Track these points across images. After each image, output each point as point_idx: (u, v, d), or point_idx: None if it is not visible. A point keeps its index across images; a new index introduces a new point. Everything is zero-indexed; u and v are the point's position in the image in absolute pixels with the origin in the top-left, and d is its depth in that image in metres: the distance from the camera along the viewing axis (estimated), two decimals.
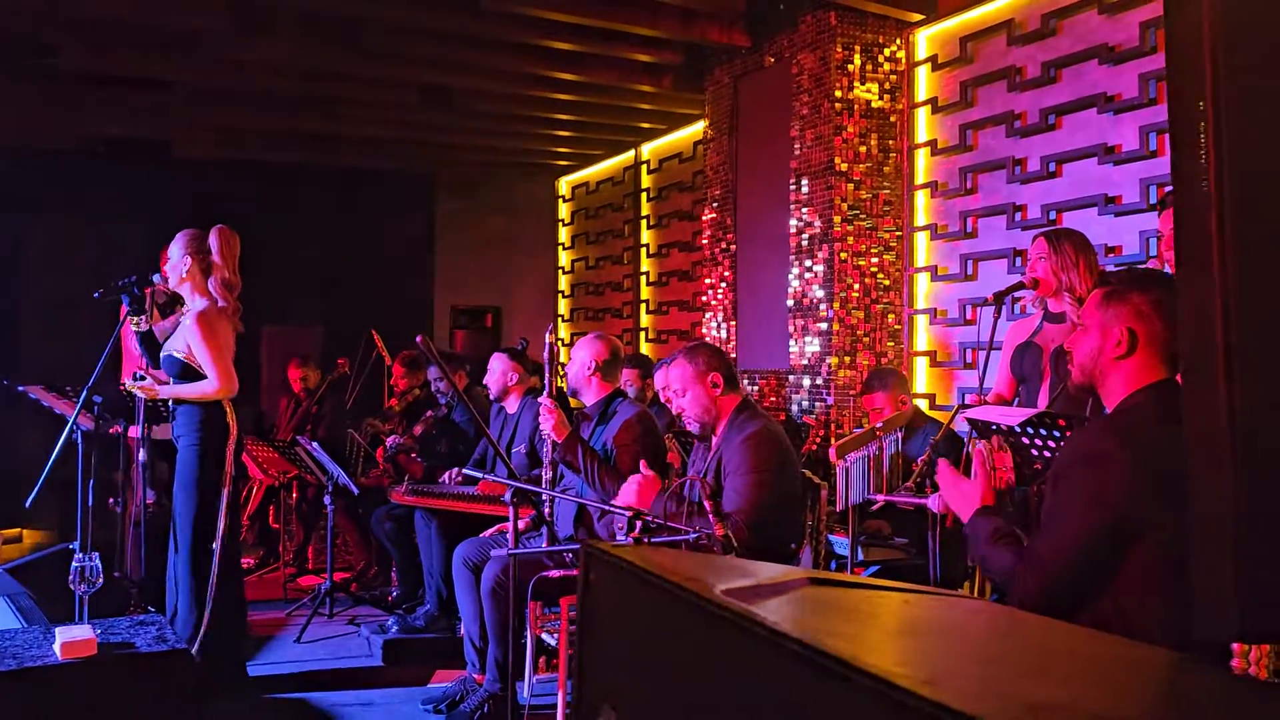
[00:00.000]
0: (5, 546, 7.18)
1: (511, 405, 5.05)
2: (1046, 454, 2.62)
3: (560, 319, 9.85)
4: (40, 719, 2.71)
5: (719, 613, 0.82)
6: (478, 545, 4.15)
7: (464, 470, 3.74)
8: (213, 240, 4.03)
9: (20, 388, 4.18)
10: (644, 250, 8.37)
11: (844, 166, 5.45)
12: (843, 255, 5.44)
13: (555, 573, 3.33)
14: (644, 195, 8.42)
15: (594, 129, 8.09)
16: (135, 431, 4.48)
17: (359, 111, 7.58)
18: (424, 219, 10.26)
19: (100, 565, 3.06)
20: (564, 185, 9.96)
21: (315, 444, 5.18)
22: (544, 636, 4.24)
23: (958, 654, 0.91)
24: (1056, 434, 2.61)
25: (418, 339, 3.41)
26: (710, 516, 2.44)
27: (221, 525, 3.98)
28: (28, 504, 3.82)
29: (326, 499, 5.38)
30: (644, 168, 8.43)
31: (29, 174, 9.48)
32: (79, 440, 4.35)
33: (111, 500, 5.00)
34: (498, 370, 5.06)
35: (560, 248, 10.00)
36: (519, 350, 5.15)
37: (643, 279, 8.36)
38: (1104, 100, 4.53)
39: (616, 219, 8.86)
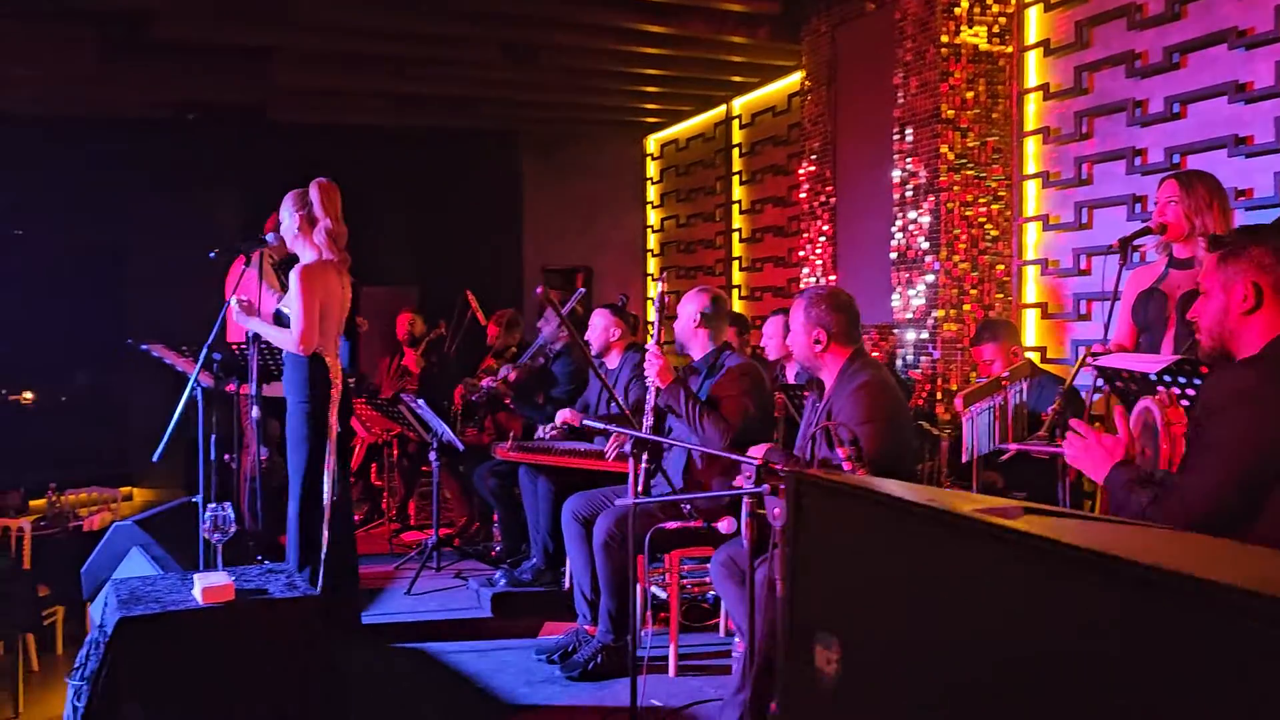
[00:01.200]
0: (120, 504, 7.50)
1: (612, 360, 5.04)
2: (1185, 402, 2.52)
3: (650, 278, 9.82)
4: (184, 659, 2.81)
5: (989, 531, 0.80)
6: (587, 499, 4.17)
7: (585, 420, 3.75)
8: (313, 193, 4.07)
9: (144, 346, 4.31)
10: (736, 207, 8.27)
11: (950, 114, 5.28)
12: (949, 205, 5.29)
13: (672, 524, 3.33)
14: (736, 151, 8.31)
15: (684, 84, 7.98)
16: (248, 389, 4.59)
17: (446, 71, 7.59)
18: (511, 180, 10.30)
19: (233, 515, 3.16)
20: (652, 143, 9.88)
21: (420, 401, 5.26)
22: (654, 590, 4.26)
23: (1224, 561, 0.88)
24: (1197, 381, 2.50)
25: (538, 290, 3.42)
26: (848, 464, 2.39)
27: (329, 480, 4.05)
28: (156, 458, 3.95)
29: (432, 455, 5.47)
30: (736, 123, 8.31)
31: (129, 144, 9.78)
32: (199, 397, 4.49)
33: (227, 456, 5.15)
34: (599, 326, 5.05)
35: (649, 206, 9.95)
36: (620, 306, 5.14)
37: (735, 235, 8.27)
38: (1235, 35, 4.28)
39: (708, 175, 8.77)
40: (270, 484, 5.11)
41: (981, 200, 5.34)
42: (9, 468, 7.36)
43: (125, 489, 7.96)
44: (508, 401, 5.67)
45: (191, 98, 8.47)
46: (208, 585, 2.89)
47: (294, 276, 3.96)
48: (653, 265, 9.84)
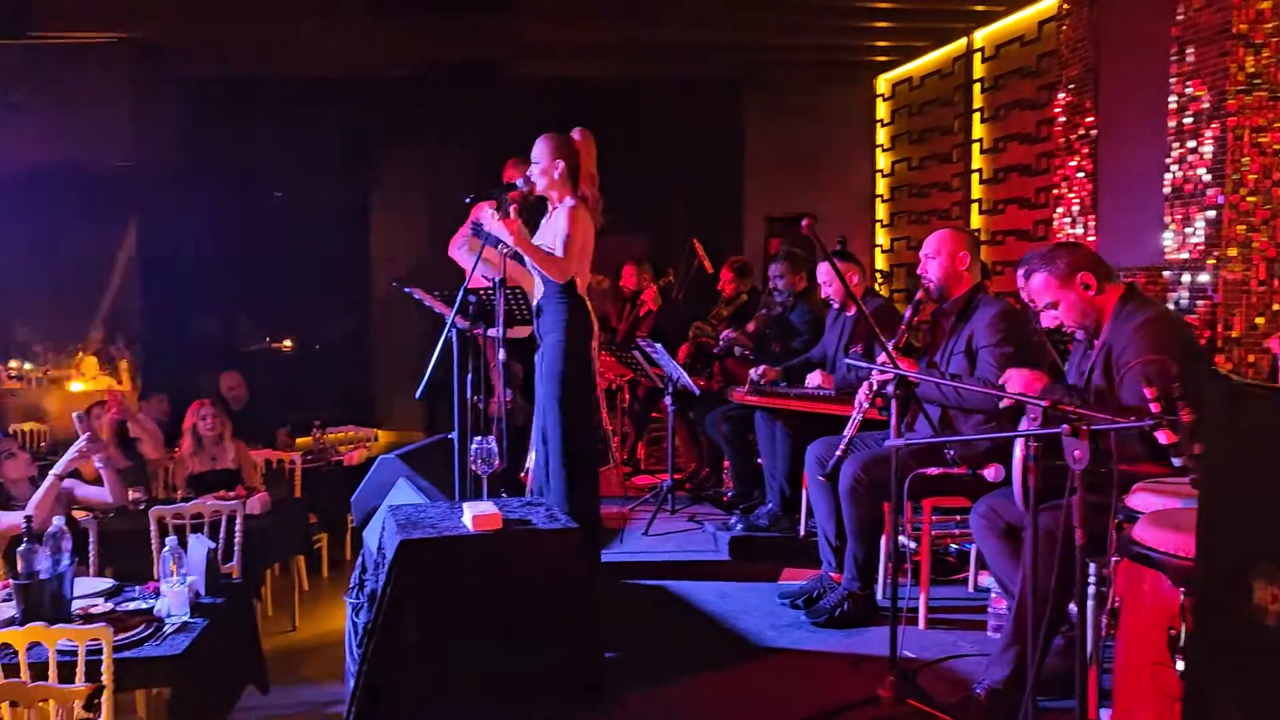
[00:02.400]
0: (374, 442, 8.01)
1: (851, 307, 4.88)
2: None
3: (879, 224, 9.48)
4: (457, 581, 2.94)
5: None
6: (830, 445, 4.06)
7: (848, 359, 3.64)
8: (578, 141, 4.13)
9: (406, 289, 4.53)
10: (976, 146, 7.81)
11: (1243, 28, 4.72)
12: (1237, 132, 4.75)
13: (933, 470, 3.18)
14: (977, 86, 7.83)
15: (919, 17, 7.58)
16: (494, 332, 4.74)
17: (672, 16, 7.52)
18: (734, 127, 10.18)
19: (497, 449, 3.27)
20: (883, 83, 9.48)
21: (658, 345, 5.29)
22: (900, 539, 4.11)
23: None
24: None
25: (802, 224, 3.32)
26: (1155, 404, 2.17)
27: (589, 417, 4.13)
28: (418, 395, 4.13)
29: (666, 400, 5.51)
30: (977, 56, 7.82)
31: (375, 102, 10.33)
32: (454, 339, 4.68)
33: (475, 397, 5.37)
34: (826, 271, 4.88)
35: (878, 149, 9.58)
36: (843, 250, 4.94)
37: (974, 177, 7.83)
38: None
39: (945, 114, 8.32)
40: (513, 424, 5.31)
41: (1277, 125, 4.77)
42: (275, 407, 7.99)
43: (370, 430, 8.48)
44: (747, 353, 5.62)
45: (436, 58, 8.81)
46: (477, 514, 3.00)
47: (564, 213, 4.02)
48: (882, 211, 9.49)
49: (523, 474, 4.86)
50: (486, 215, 4.19)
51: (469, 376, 4.58)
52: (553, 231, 4.14)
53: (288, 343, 13.40)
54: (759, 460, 5.27)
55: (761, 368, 4.93)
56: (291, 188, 12.24)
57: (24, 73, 8.36)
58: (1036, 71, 6.98)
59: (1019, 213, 7.27)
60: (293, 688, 4.83)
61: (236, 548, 4.94)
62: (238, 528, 4.96)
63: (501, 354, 4.71)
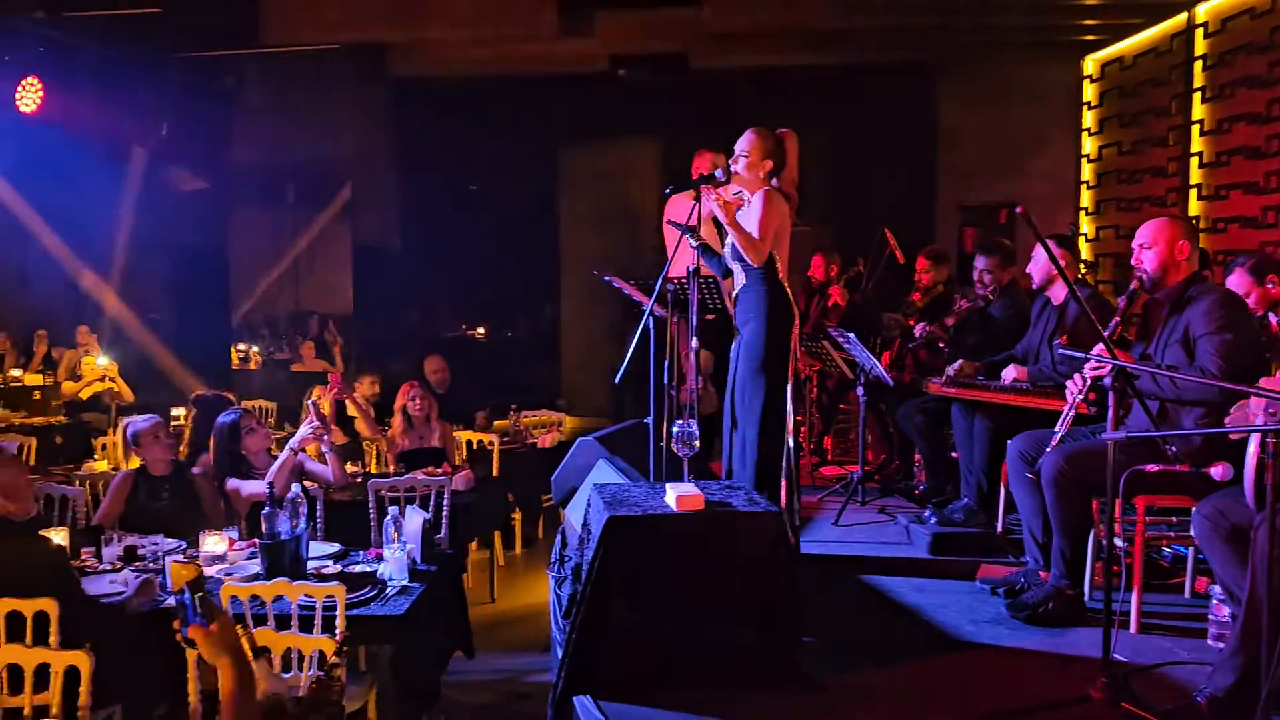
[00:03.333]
0: (565, 425, 8.29)
1: (1057, 294, 4.69)
2: None
3: (1083, 211, 9.03)
4: (662, 557, 3.04)
5: None
6: (1034, 439, 3.94)
7: (1061, 350, 3.53)
8: (785, 142, 4.19)
9: (606, 277, 4.68)
10: (1196, 128, 7.32)
11: None
12: None
13: (1153, 466, 3.04)
14: (1199, 64, 7.33)
15: None
16: (686, 325, 4.82)
17: (865, 2, 7.41)
18: (925, 112, 9.93)
19: (698, 431, 3.35)
20: (1090, 64, 9.00)
21: (851, 335, 5.25)
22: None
23: None
24: None
25: (1017, 209, 3.24)
26: None
27: (789, 405, 4.15)
28: (616, 380, 4.27)
29: (859, 390, 5.47)
30: (1199, 32, 7.32)
31: (563, 98, 10.65)
32: (650, 326, 4.80)
33: (666, 382, 5.49)
34: (1042, 258, 4.71)
35: (1084, 134, 9.11)
36: (1068, 236, 4.75)
37: (1193, 161, 7.34)
38: None
39: (1161, 95, 7.83)
40: (702, 412, 5.39)
41: None
42: (470, 391, 8.37)
43: (556, 415, 8.77)
44: (942, 345, 5.50)
45: (623, 52, 9.00)
46: (681, 494, 3.10)
47: (758, 197, 4.07)
48: (1087, 198, 9.03)
49: (714, 462, 4.94)
50: (707, 196, 4.24)
51: (665, 363, 4.69)
52: (747, 218, 4.19)
53: (481, 330, 14.04)
54: (953, 454, 5.16)
55: (958, 362, 4.81)
56: (486, 182, 12.80)
57: (257, 78, 9.09)
58: (1270, 45, 6.47)
59: (1243, 199, 6.77)
60: (494, 655, 5.11)
61: (444, 521, 5.24)
62: (445, 502, 5.26)
63: (694, 342, 4.81)
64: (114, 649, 3.25)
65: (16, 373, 8.50)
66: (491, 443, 6.78)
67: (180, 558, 3.97)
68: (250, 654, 2.00)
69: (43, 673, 2.91)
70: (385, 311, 10.87)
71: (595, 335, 11.24)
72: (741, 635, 3.07)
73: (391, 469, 5.98)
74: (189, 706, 3.13)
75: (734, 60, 9.30)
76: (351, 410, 6.59)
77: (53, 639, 3.17)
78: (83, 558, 4.10)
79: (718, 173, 4.46)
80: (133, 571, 3.90)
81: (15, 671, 2.97)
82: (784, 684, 3.10)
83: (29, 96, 6.97)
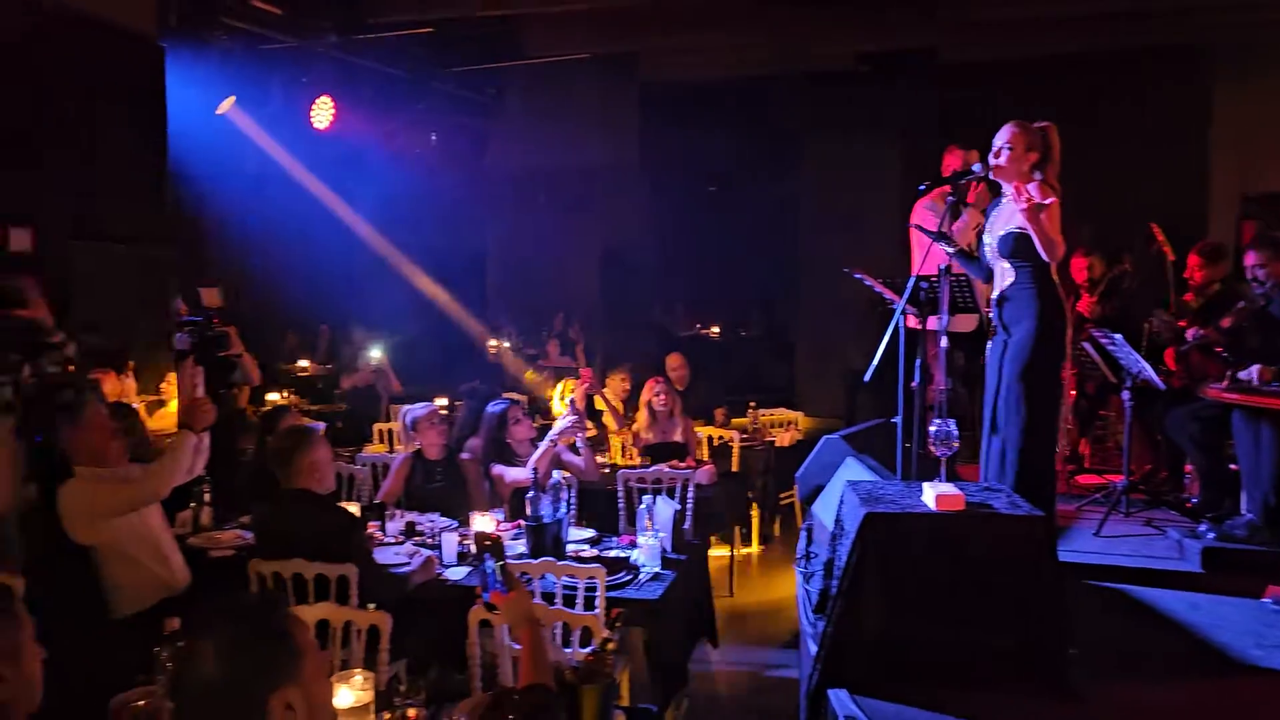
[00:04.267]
0: (800, 424, 8.28)
1: None
2: None
3: None
4: (919, 556, 3.02)
5: None
6: None
7: None
8: (1050, 135, 4.03)
9: (856, 274, 4.66)
10: None
11: None
12: None
13: None
14: None
15: None
16: (933, 323, 4.71)
17: None
18: (1197, 98, 9.18)
19: (957, 430, 3.29)
20: None
21: (1117, 336, 4.97)
22: None
23: None
24: None
25: None
26: None
27: (1059, 410, 4.00)
28: (866, 378, 4.25)
29: (1124, 395, 5.16)
30: None
31: (804, 97, 10.62)
32: (901, 325, 4.74)
33: (913, 384, 5.39)
34: None
35: None
36: None
37: None
38: None
39: None
40: (952, 414, 5.25)
41: None
42: (707, 389, 8.50)
43: (792, 413, 8.75)
44: (1219, 350, 5.10)
45: (867, 48, 8.89)
46: (940, 493, 3.06)
47: (1034, 189, 3.93)
48: None
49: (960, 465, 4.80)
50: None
51: (917, 362, 4.62)
52: (1010, 214, 4.05)
53: (715, 329, 14.22)
54: (1233, 465, 4.77)
55: (1255, 367, 4.43)
56: (726, 182, 12.97)
57: (514, 89, 9.66)
58: None
59: None
60: (736, 647, 5.21)
61: (689, 513, 5.39)
62: (690, 495, 5.41)
63: (943, 342, 4.70)
64: (398, 614, 3.58)
65: (304, 364, 9.43)
66: (732, 439, 6.89)
67: (459, 532, 4.30)
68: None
69: (346, 630, 3.25)
70: (626, 310, 11.24)
71: (830, 336, 11.15)
72: (1002, 640, 3.00)
73: (636, 461, 6.21)
74: (466, 669, 3.41)
75: (982, 53, 8.97)
76: (600, 404, 6.88)
77: (352, 600, 3.54)
78: (369, 530, 4.53)
79: (975, 168, 4.34)
80: (414, 545, 4.28)
81: (322, 627, 3.34)
82: (1046, 692, 3.00)
83: (322, 114, 7.76)
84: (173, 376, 6.11)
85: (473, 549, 4.26)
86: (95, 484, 3.64)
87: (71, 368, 4.19)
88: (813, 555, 4.09)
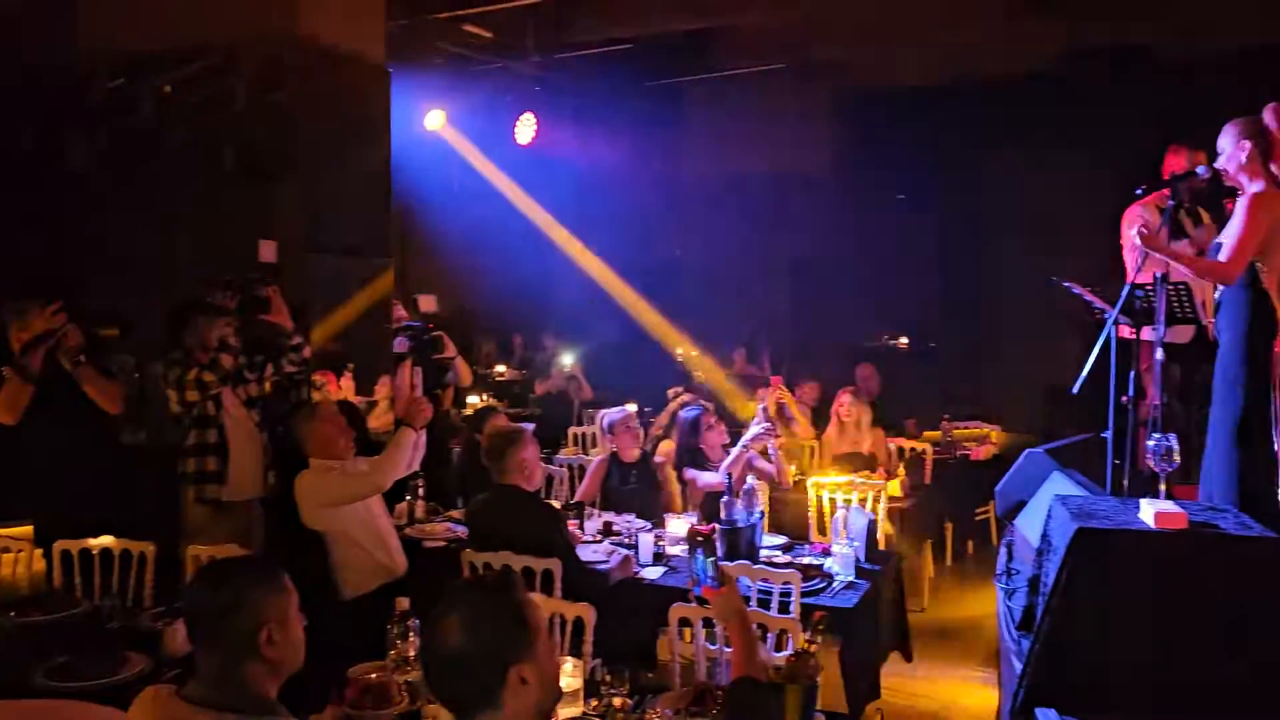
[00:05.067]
0: (996, 438, 7.99)
1: None
2: None
3: None
4: (1135, 575, 2.89)
5: None
6: None
7: None
8: (1269, 120, 3.75)
9: (1065, 283, 4.49)
10: None
11: None
12: None
13: None
14: None
15: None
16: (1147, 333, 4.47)
17: None
18: None
19: (1178, 445, 3.13)
20: None
21: None
22: None
23: None
24: None
25: None
26: None
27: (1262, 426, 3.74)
28: (1074, 390, 4.09)
29: None
30: None
31: (1001, 100, 10.23)
32: (1112, 335, 4.53)
33: (1125, 398, 5.12)
34: None
35: None
36: None
37: None
38: None
39: None
40: (1169, 430, 4.95)
41: None
42: (897, 400, 8.32)
43: (989, 428, 8.43)
44: None
45: (1079, 49, 8.50)
46: (1160, 511, 2.92)
47: (1241, 202, 3.73)
48: None
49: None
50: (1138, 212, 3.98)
51: (1130, 374, 4.40)
52: (1227, 230, 3.83)
53: (904, 340, 13.89)
54: None
55: None
56: (915, 191, 12.67)
57: (711, 98, 9.80)
58: None
59: None
60: (930, 662, 5.09)
61: (880, 523, 5.32)
62: (882, 506, 5.34)
63: (1159, 354, 4.46)
64: (599, 608, 3.72)
65: (501, 369, 9.87)
66: (923, 451, 6.74)
67: (655, 533, 4.41)
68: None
69: (551, 621, 3.41)
70: (815, 319, 11.16)
71: (1028, 347, 10.70)
72: (1230, 670, 2.83)
73: (826, 471, 6.18)
74: (657, 665, 3.51)
75: (1208, 48, 8.39)
76: (790, 412, 6.89)
77: (556, 593, 3.70)
78: (569, 528, 4.71)
79: (1199, 170, 4.12)
80: (611, 543, 4.43)
81: None
82: None
83: (525, 129, 8.13)
84: (385, 379, 6.56)
85: (667, 550, 4.38)
86: (326, 475, 3.96)
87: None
88: (1014, 571, 3.97)
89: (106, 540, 3.87)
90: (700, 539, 2.30)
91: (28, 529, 4.45)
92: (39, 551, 4.01)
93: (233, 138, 5.71)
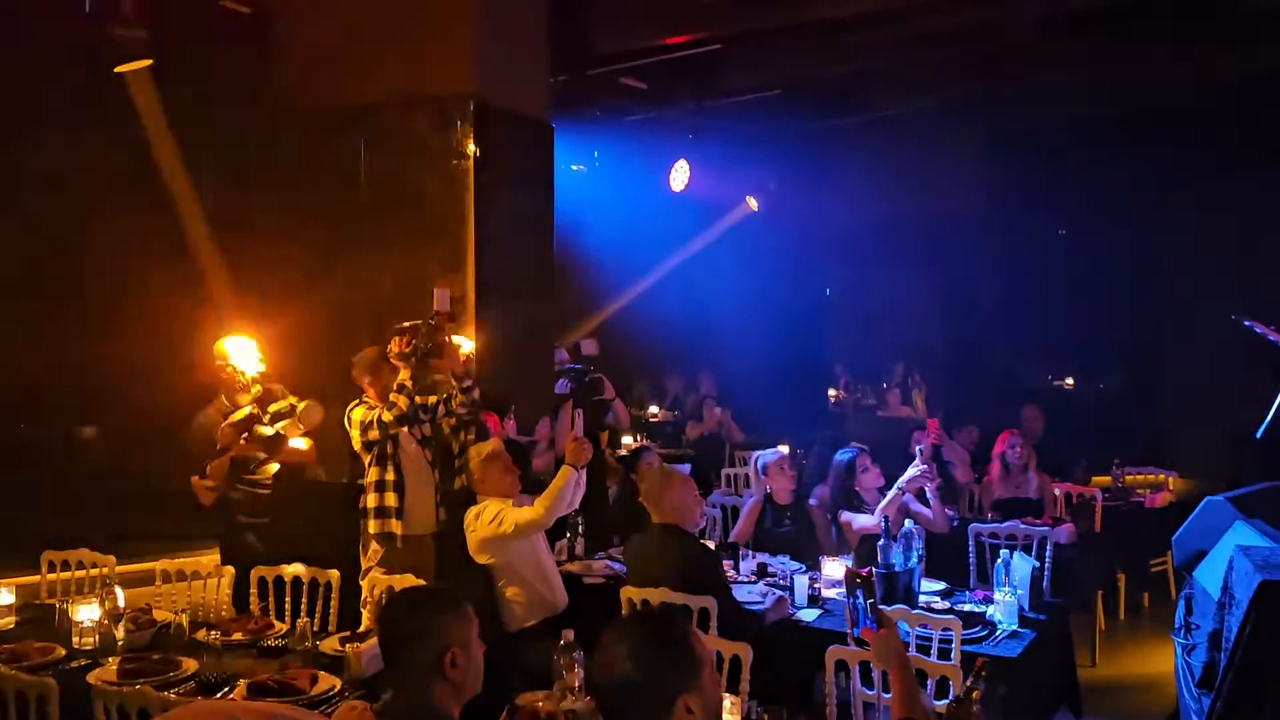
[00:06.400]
0: (1175, 485, 7.58)
1: None
2: None
3: None
4: None
5: None
6: None
7: None
8: None
9: (1246, 322, 4.30)
10: None
11: None
12: None
13: None
14: None
15: None
16: None
17: None
18: None
19: None
20: None
21: None
22: None
23: None
24: None
25: None
26: None
27: None
28: (1259, 434, 3.91)
29: None
30: None
31: (1164, 133, 9.79)
32: None
33: None
34: None
35: None
36: None
37: None
38: None
39: None
40: None
41: None
42: (1063, 443, 8.00)
43: (1160, 475, 8.00)
44: None
45: (1224, 79, 8.11)
46: None
47: None
48: None
49: None
50: None
51: None
52: None
53: (1070, 381, 13.33)
54: None
55: None
56: (1077, 227, 12.24)
57: (863, 137, 9.80)
58: None
59: None
60: (1101, 718, 4.87)
61: (1046, 571, 5.14)
62: (1048, 553, 5.16)
63: None
64: (755, 649, 3.75)
65: (655, 410, 10.03)
66: (1093, 496, 6.47)
67: (810, 575, 4.42)
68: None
69: None
70: (972, 360, 10.89)
71: (1206, 389, 10.14)
72: None
73: (988, 516, 6.01)
74: (809, 711, 3.50)
75: None
76: (949, 455, 6.74)
77: (712, 630, 3.76)
78: (724, 568, 4.76)
79: None
80: (766, 584, 4.46)
81: None
82: None
83: (679, 176, 8.34)
84: (545, 420, 6.79)
85: (823, 592, 4.37)
86: (495, 511, 4.15)
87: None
88: (1194, 626, 3.79)
89: (298, 568, 4.17)
90: (859, 580, 2.33)
91: (215, 555, 4.87)
92: (230, 575, 4.39)
93: (411, 190, 6.14)
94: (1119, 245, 11.84)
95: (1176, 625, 4.00)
